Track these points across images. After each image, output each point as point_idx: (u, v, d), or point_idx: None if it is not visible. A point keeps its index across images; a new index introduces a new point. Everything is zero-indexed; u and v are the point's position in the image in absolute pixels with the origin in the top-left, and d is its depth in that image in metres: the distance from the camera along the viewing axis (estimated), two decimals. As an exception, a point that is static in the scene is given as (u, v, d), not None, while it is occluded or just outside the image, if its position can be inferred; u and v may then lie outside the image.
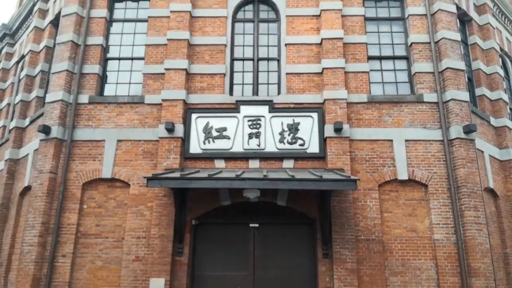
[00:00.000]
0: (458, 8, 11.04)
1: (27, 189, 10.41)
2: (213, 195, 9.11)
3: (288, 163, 9.34)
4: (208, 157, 9.45)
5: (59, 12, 11.23)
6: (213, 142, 9.51)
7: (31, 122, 11.17)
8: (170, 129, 9.28)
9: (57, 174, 9.49)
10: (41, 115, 10.41)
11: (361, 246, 8.77)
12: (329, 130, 9.31)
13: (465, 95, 9.74)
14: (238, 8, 10.75)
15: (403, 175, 9.24)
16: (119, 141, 9.66)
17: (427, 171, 9.30)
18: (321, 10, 10.26)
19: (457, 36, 10.25)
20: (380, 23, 10.73)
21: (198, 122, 9.64)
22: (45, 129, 9.55)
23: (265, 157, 9.40)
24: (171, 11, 10.35)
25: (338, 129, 9.22)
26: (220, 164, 9.40)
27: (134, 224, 9.05)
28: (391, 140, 9.50)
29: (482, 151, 10.25)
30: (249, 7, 10.83)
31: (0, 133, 13.15)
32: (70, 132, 9.69)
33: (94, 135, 9.73)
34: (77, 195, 9.35)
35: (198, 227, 9.34)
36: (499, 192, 10.53)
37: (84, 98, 10.01)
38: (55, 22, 11.81)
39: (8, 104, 13.29)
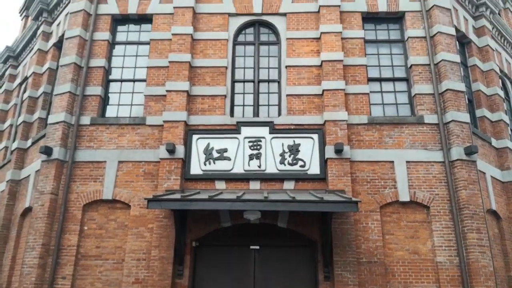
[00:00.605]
0: (457, 30, 11.16)
1: (28, 210, 10.40)
2: (213, 217, 9.07)
3: (289, 185, 9.31)
4: (209, 178, 9.44)
5: (63, 35, 11.41)
6: (214, 163, 9.51)
7: (33, 143, 11.22)
8: (171, 150, 9.31)
9: (58, 195, 9.48)
10: (43, 136, 10.47)
11: (363, 268, 8.65)
12: (329, 152, 9.31)
13: (465, 117, 9.75)
14: (239, 31, 10.91)
15: (404, 197, 9.19)
16: (120, 162, 9.67)
17: (428, 192, 9.25)
18: (321, 33, 10.39)
19: (457, 58, 10.32)
20: (380, 45, 10.85)
21: (199, 143, 9.67)
22: (47, 150, 9.59)
23: (265, 178, 9.38)
24: (173, 34, 10.50)
25: (338, 151, 9.22)
26: (220, 185, 9.38)
27: (134, 245, 8.98)
28: (392, 162, 9.48)
29: (484, 173, 10.20)
30: (250, 30, 10.99)
31: (2, 154, 13.21)
32: (72, 153, 9.72)
33: (95, 156, 9.76)
34: (78, 216, 9.32)
35: (199, 249, 9.26)
36: (502, 214, 10.44)
37: (86, 120, 10.08)
38: (59, 45, 11.99)
39: (11, 125, 13.39)
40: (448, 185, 9.21)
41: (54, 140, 9.80)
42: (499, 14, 13.74)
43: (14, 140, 12.58)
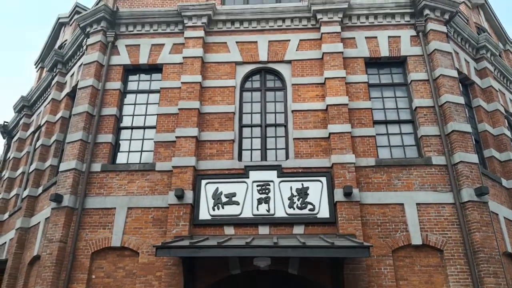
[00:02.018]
0: (459, 72, 11.39)
1: (36, 258, 10.34)
2: (222, 264, 8.94)
3: (298, 229, 9.23)
4: (218, 223, 9.40)
5: (76, 85, 11.82)
6: (223, 208, 9.50)
7: (44, 190, 11.35)
8: (180, 195, 9.35)
9: (67, 243, 9.46)
10: (54, 183, 10.60)
11: (378, 316, 8.37)
12: (338, 195, 9.28)
13: (474, 157, 9.74)
14: (246, 78, 11.24)
15: (416, 240, 9.03)
16: (129, 208, 9.71)
17: (441, 235, 9.09)
18: (326, 78, 10.65)
19: (461, 100, 10.45)
20: (384, 89, 11.06)
21: (207, 188, 9.71)
22: (57, 198, 9.67)
23: (275, 222, 9.32)
24: (182, 83, 10.84)
25: (347, 193, 9.19)
26: (229, 230, 9.32)
27: (142, 295, 8.82)
28: (402, 204, 9.40)
29: (497, 214, 10.05)
30: (257, 77, 11.32)
31: (13, 202, 13.32)
32: (82, 200, 9.79)
33: (105, 203, 9.81)
34: (86, 264, 9.25)
35: (208, 297, 9.07)
36: (518, 256, 10.16)
37: (96, 167, 10.22)
38: (72, 94, 12.39)
39: (23, 173, 13.59)
40: (461, 227, 9.06)
41: (65, 188, 9.91)
42: (499, 55, 14.04)
43: (25, 188, 12.72)
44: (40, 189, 11.63)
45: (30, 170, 12.61)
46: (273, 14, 11.54)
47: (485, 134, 11.49)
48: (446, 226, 9.18)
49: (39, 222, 10.90)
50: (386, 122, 10.59)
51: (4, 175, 14.80)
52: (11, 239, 11.95)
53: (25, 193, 12.01)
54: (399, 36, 11.33)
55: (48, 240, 9.47)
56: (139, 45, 11.68)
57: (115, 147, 10.74)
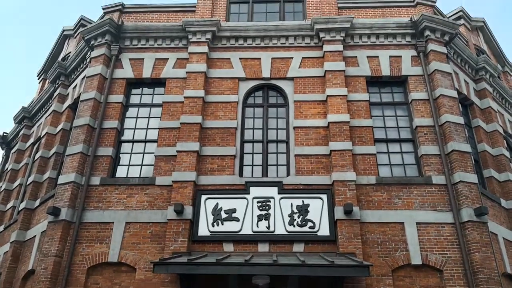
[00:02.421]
0: (459, 93, 11.50)
1: (31, 273, 10.19)
2: (221, 281, 8.81)
3: (298, 247, 9.16)
4: (217, 240, 9.32)
5: (78, 97, 11.84)
6: (222, 224, 9.44)
7: (41, 203, 11.25)
8: (179, 211, 9.28)
9: (62, 257, 9.32)
10: (52, 196, 10.51)
11: (377, 337, 8.26)
12: (339, 212, 9.25)
13: (473, 177, 9.76)
14: (248, 94, 11.30)
15: (416, 260, 8.97)
16: (127, 223, 9.62)
17: (441, 255, 9.04)
18: (327, 96, 10.73)
19: (461, 120, 10.53)
20: (384, 107, 11.14)
21: (207, 204, 9.65)
22: (55, 211, 9.56)
23: (274, 240, 9.25)
24: (185, 97, 10.88)
25: (348, 211, 9.16)
26: (228, 247, 9.24)
27: (138, 313, 8.67)
28: (402, 223, 9.37)
29: (496, 234, 10.03)
30: (259, 93, 11.39)
31: (9, 214, 13.18)
32: (79, 214, 9.70)
33: (103, 217, 9.72)
34: (81, 280, 9.10)
35: (205, 316, 8.91)
36: (518, 277, 10.11)
37: (96, 180, 10.16)
38: (73, 106, 12.40)
39: (20, 185, 13.48)
40: (461, 247, 9.03)
41: (63, 201, 9.81)
42: (498, 77, 14.20)
43: (22, 200, 12.60)
44: (38, 202, 11.52)
45: (28, 182, 12.51)
46: (276, 32, 11.69)
47: (484, 154, 11.55)
48: (446, 246, 9.14)
49: (34, 236, 10.77)
50: (386, 141, 10.63)
51: (1, 186, 14.66)
52: (5, 252, 11.79)
53: (22, 205, 11.89)
54: (400, 56, 11.47)
55: (43, 254, 9.33)
56: (143, 59, 11.77)
57: (115, 161, 10.70)
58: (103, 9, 12.82)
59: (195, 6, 12.63)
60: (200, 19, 11.75)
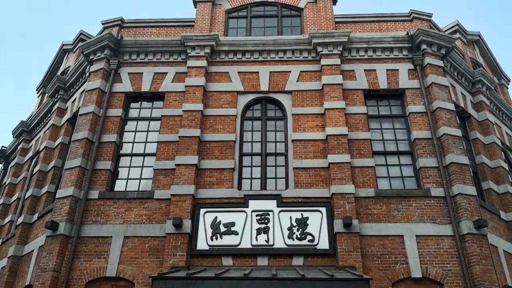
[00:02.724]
0: (456, 105, 11.58)
1: None
2: (220, 295, 8.75)
3: (297, 261, 9.11)
4: (216, 254, 9.27)
5: (77, 111, 11.88)
6: (221, 238, 9.39)
7: (39, 217, 11.19)
8: (178, 224, 9.25)
9: (60, 272, 9.23)
10: (50, 210, 10.47)
11: None
12: (338, 226, 9.23)
13: (472, 189, 9.77)
14: (247, 107, 11.36)
15: (416, 273, 8.92)
16: (126, 237, 9.57)
17: (441, 268, 9.00)
18: (325, 109, 10.79)
19: (458, 132, 10.58)
20: (382, 120, 11.20)
21: (206, 217, 9.62)
22: (53, 225, 9.51)
23: (274, 253, 9.20)
24: (183, 111, 10.93)
25: (347, 224, 9.14)
26: (227, 261, 9.18)
27: (135, 329, 8.56)
28: (402, 236, 9.35)
29: (496, 247, 10.00)
30: (257, 106, 11.45)
31: (7, 228, 13.09)
32: (78, 228, 9.65)
33: (102, 231, 9.67)
34: (79, 295, 9.00)
35: (204, 331, 8.81)
36: (519, 290, 10.04)
37: (94, 194, 10.14)
38: (72, 120, 12.42)
39: (18, 199, 13.41)
40: (461, 260, 9.00)
41: (61, 215, 9.76)
42: (495, 89, 14.31)
43: (20, 214, 12.53)
44: (36, 216, 11.46)
45: (26, 196, 12.46)
46: (274, 46, 11.80)
47: (482, 166, 11.57)
48: (446, 259, 9.11)
49: (32, 250, 10.68)
50: (385, 153, 10.67)
51: (-1, 201, 14.59)
52: (3, 267, 11.67)
53: (20, 219, 11.82)
54: (397, 69, 11.58)
55: (41, 269, 9.24)
56: (142, 73, 11.85)
57: (114, 174, 10.68)
58: (103, 24, 12.94)
59: (193, 21, 12.77)
60: (198, 34, 11.88)
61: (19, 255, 11.19)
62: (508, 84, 17.37)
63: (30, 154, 14.39)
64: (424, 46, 11.59)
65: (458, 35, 15.53)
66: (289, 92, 11.32)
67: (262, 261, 9.14)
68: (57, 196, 10.24)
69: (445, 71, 11.72)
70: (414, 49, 11.75)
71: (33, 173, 12.98)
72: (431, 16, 12.67)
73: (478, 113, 12.63)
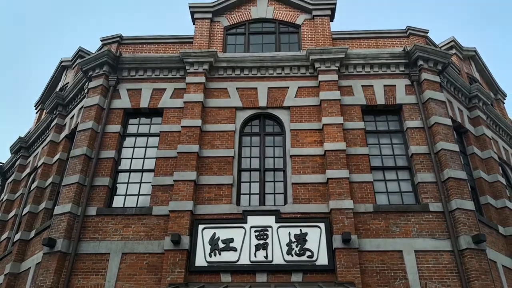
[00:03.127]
0: (453, 121, 11.66)
1: (24, 306, 9.96)
2: (219, 313, 8.66)
3: (296, 277, 9.05)
4: (214, 270, 9.20)
5: (75, 127, 11.89)
6: (219, 254, 9.34)
7: (37, 234, 11.11)
8: (176, 241, 9.20)
9: (57, 290, 9.13)
10: (48, 227, 10.40)
11: None
12: (337, 241, 9.20)
13: (470, 204, 9.78)
14: (245, 123, 11.41)
15: (416, 289, 8.87)
16: (124, 254, 9.50)
17: (440, 284, 8.95)
18: (323, 125, 10.85)
19: (456, 147, 10.63)
20: (380, 136, 11.26)
21: (204, 233, 9.58)
22: (50, 242, 9.43)
23: (272, 270, 9.14)
24: (182, 127, 10.96)
25: (346, 240, 9.11)
26: (226, 278, 9.11)
27: None
28: (401, 251, 9.31)
29: (495, 262, 9.97)
30: (256, 122, 11.51)
31: (4, 246, 12.97)
32: (75, 245, 9.58)
33: (99, 248, 9.61)
34: (77, 313, 8.90)
35: None
36: (519, 306, 9.98)
37: (92, 210, 10.10)
38: (70, 136, 12.44)
39: (15, 216, 13.33)
40: (460, 275, 8.95)
41: (59, 232, 9.70)
42: (491, 104, 14.42)
43: (17, 231, 12.44)
44: (33, 233, 11.38)
45: (24, 213, 12.38)
46: (272, 62, 11.92)
47: (480, 181, 11.60)
48: (445, 274, 9.07)
49: (29, 268, 10.58)
50: (383, 168, 10.70)
51: (-4, 217, 14.48)
52: (-1, 284, 11.55)
53: (17, 236, 11.73)
54: (395, 85, 11.69)
55: (38, 287, 9.14)
56: (140, 89, 11.91)
57: (112, 191, 10.66)
58: (102, 40, 13.04)
59: (192, 38, 12.90)
60: (197, 50, 11.99)
61: (16, 273, 11.08)
62: (505, 99, 17.51)
63: (28, 170, 14.34)
64: (420, 62, 11.73)
65: (454, 51, 15.72)
66: (287, 107, 11.40)
67: (261, 278, 9.08)
68: (54, 212, 10.18)
69: (442, 86, 11.83)
70: (411, 65, 11.88)
71: (31, 189, 12.93)
72: (427, 32, 12.84)
73: (475, 128, 12.71)
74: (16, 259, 11.22)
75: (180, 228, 9.52)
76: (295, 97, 11.54)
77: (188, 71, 11.85)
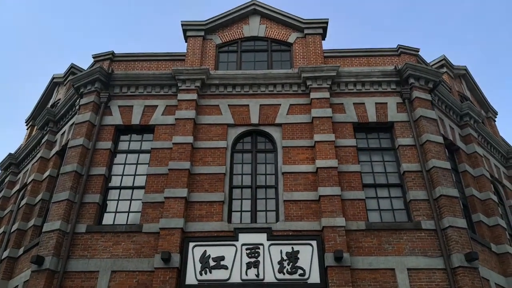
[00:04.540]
0: (445, 138, 11.71)
1: (10, 326, 9.72)
2: (209, 333, 8.50)
3: (288, 296, 8.92)
4: (205, 289, 9.06)
5: (66, 144, 11.83)
6: (210, 272, 9.21)
7: (25, 251, 10.92)
8: (167, 259, 9.07)
9: (44, 310, 8.92)
10: (36, 244, 10.24)
11: None
12: (329, 259, 9.11)
13: (462, 222, 9.76)
14: (237, 140, 11.40)
15: (409, 307, 8.77)
16: (113, 272, 9.35)
17: (433, 303, 8.86)
18: (315, 142, 10.86)
19: (447, 165, 10.66)
20: (372, 153, 11.28)
21: (195, 251, 9.46)
22: (38, 260, 9.27)
23: (264, 288, 9.02)
24: (173, 143, 10.92)
25: (338, 258, 9.03)
26: (217, 297, 8.97)
27: None
28: (393, 269, 9.24)
29: (488, 280, 9.90)
30: (248, 138, 11.50)
31: (-9, 264, 12.70)
32: (64, 263, 9.42)
33: (88, 266, 9.45)
34: (62, 334, 8.68)
35: None
36: (513, 325, 9.88)
37: (81, 228, 9.96)
38: (61, 153, 12.35)
39: (4, 233, 13.10)
40: (453, 294, 8.87)
41: (47, 249, 9.55)
42: (482, 122, 14.54)
43: (5, 249, 12.21)
44: (21, 250, 11.18)
45: (12, 230, 12.19)
46: (264, 80, 11.99)
47: (472, 199, 11.60)
48: (438, 293, 8.97)
49: (17, 286, 10.36)
50: (375, 186, 10.69)
51: (-16, 234, 14.22)
52: (-15, 304, 11.28)
53: (5, 254, 11.52)
54: (386, 103, 11.77)
55: (25, 306, 8.97)
56: (132, 106, 11.91)
57: (102, 208, 10.54)
58: (94, 57, 13.08)
59: (184, 55, 12.98)
60: (189, 68, 12.04)
61: (3, 292, 10.84)
62: (495, 117, 17.67)
63: (17, 187, 14.18)
64: (412, 80, 11.84)
65: (445, 69, 15.90)
66: (279, 125, 11.42)
67: (252, 297, 8.94)
68: (43, 229, 10.03)
69: (433, 104, 11.93)
70: (402, 83, 11.99)
71: (20, 206, 12.75)
72: (418, 51, 13.02)
73: (466, 146, 12.77)
74: (4, 277, 11.00)
75: (171, 245, 9.40)
76: (287, 114, 11.58)
77: (180, 88, 11.88)
